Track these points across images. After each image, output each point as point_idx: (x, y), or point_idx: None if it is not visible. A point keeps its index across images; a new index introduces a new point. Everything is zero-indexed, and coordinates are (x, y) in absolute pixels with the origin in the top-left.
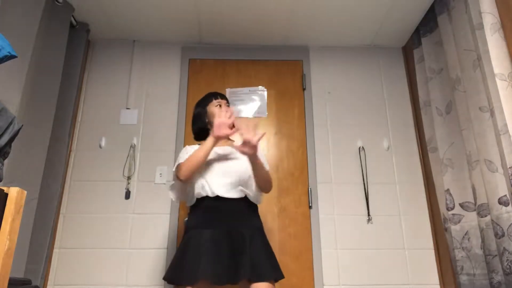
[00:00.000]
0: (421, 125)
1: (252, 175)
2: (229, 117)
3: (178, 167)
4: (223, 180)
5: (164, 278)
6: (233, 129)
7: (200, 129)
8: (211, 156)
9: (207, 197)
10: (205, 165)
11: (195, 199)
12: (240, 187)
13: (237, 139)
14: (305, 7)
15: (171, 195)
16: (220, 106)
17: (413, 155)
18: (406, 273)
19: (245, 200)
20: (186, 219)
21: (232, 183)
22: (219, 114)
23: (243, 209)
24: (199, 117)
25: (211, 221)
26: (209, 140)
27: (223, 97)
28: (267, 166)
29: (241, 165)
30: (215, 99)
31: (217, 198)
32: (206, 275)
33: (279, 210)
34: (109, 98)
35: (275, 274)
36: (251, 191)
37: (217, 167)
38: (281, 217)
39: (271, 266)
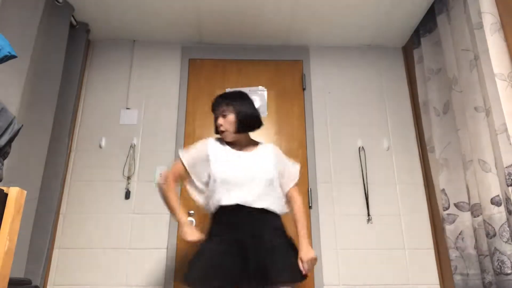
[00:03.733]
0: (421, 125)
1: (273, 183)
2: (219, 126)
3: (167, 174)
4: (242, 190)
5: (180, 279)
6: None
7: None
8: (232, 162)
9: (226, 206)
10: (224, 172)
11: (213, 208)
12: (261, 197)
13: (261, 146)
14: (305, 7)
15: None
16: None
17: (413, 155)
18: (406, 273)
19: (266, 210)
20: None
21: (251, 193)
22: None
23: (264, 221)
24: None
25: (228, 231)
26: (179, 219)
27: (216, 104)
28: (296, 178)
29: (262, 173)
30: (213, 112)
31: (237, 207)
32: (212, 282)
33: None
34: (109, 98)
35: (294, 275)
36: (273, 200)
37: (236, 175)
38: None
39: (291, 267)
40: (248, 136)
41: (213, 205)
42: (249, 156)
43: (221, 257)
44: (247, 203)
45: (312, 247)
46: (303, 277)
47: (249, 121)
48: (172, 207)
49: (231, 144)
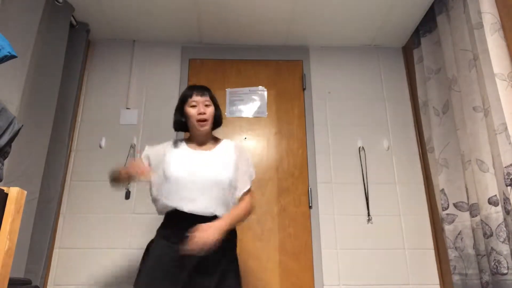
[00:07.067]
0: (421, 125)
1: (228, 188)
2: (200, 113)
3: None
4: (190, 193)
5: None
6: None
7: (177, 122)
8: (187, 162)
9: (176, 212)
10: (177, 172)
11: (164, 212)
12: (213, 203)
13: (223, 144)
14: (305, 7)
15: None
16: (195, 106)
17: (413, 155)
18: (406, 273)
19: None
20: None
21: (204, 198)
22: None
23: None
24: (178, 111)
25: (177, 243)
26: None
27: (200, 91)
28: (247, 186)
29: (217, 176)
30: (190, 98)
31: (188, 215)
32: None
33: (279, 210)
34: (109, 98)
35: None
36: (226, 207)
37: (189, 178)
38: (281, 217)
39: None
40: (211, 133)
41: (163, 208)
42: (207, 156)
43: (166, 266)
44: (198, 209)
45: (311, 243)
46: None
47: (220, 119)
48: (122, 173)
49: (191, 142)
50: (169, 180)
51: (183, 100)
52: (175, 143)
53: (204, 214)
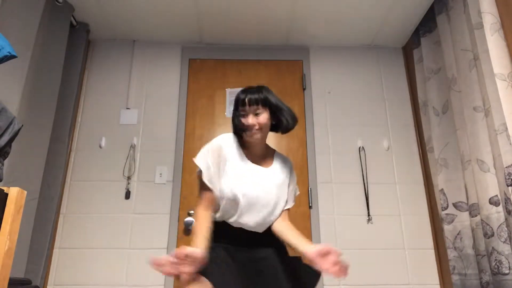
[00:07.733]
0: (421, 125)
1: (275, 205)
2: (252, 126)
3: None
4: (250, 218)
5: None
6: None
7: (234, 126)
8: (246, 179)
9: (229, 224)
10: (235, 190)
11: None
12: (267, 221)
13: (278, 160)
14: (305, 7)
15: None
16: (244, 115)
17: (413, 155)
18: (406, 273)
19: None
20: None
21: (258, 221)
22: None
23: (266, 236)
24: (234, 118)
25: (235, 246)
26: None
27: (248, 99)
28: (292, 203)
29: (275, 199)
30: (240, 106)
31: (240, 229)
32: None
33: None
34: (109, 98)
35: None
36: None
37: (248, 197)
38: None
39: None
40: (265, 140)
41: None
42: (266, 174)
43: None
44: (252, 228)
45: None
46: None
47: (282, 123)
48: (196, 232)
49: (245, 149)
50: (225, 197)
51: (236, 105)
52: (233, 143)
53: (253, 230)
